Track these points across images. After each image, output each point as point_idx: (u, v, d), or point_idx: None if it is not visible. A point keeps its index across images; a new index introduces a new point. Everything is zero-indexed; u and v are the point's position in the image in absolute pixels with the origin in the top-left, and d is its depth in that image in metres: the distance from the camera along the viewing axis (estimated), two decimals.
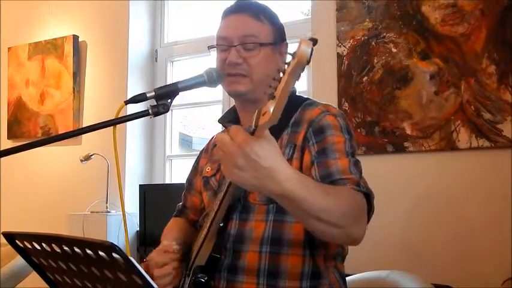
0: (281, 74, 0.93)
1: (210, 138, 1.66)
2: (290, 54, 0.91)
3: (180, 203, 1.64)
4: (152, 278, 1.29)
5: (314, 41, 0.89)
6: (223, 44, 1.40)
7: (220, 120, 1.55)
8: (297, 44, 0.89)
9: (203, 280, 1.26)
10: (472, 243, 2.25)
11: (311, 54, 0.88)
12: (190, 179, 1.62)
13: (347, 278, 1.42)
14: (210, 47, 1.44)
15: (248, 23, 1.39)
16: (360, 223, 1.16)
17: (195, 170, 1.61)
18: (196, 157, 1.65)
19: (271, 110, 0.93)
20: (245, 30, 1.37)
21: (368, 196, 1.21)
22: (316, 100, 1.42)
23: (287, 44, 1.46)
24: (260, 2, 1.49)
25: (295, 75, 0.90)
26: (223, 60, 1.38)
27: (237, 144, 0.97)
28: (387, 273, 1.62)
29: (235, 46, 1.37)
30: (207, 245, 1.28)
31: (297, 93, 1.46)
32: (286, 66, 0.92)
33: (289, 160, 1.29)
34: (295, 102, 1.39)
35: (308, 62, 0.89)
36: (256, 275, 1.27)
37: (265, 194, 1.07)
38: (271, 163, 0.99)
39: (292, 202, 1.04)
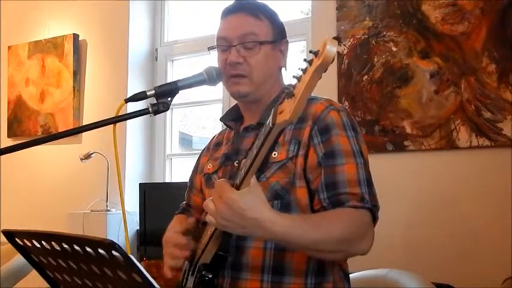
0: (300, 72, 0.92)
1: (210, 137, 1.66)
2: (312, 52, 0.90)
3: (184, 202, 1.64)
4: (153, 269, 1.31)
5: (339, 40, 0.88)
6: (223, 45, 1.39)
7: (222, 119, 1.54)
8: (302, 43, 0.88)
9: (207, 278, 1.26)
10: (472, 242, 2.25)
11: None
12: (191, 179, 1.62)
13: None
14: (210, 48, 1.43)
15: (247, 22, 1.38)
16: (361, 240, 1.21)
17: (196, 169, 1.61)
18: (198, 156, 1.65)
19: (291, 109, 0.92)
20: (244, 29, 1.37)
21: (372, 209, 1.24)
22: (317, 96, 1.42)
23: (287, 41, 1.46)
24: (259, 0, 1.49)
25: (318, 75, 0.89)
26: (224, 61, 1.38)
27: (224, 202, 1.06)
28: (387, 271, 1.62)
29: (235, 46, 1.37)
30: (213, 244, 1.27)
31: None
32: (307, 64, 0.90)
33: (295, 157, 1.29)
34: None
35: (332, 62, 0.88)
36: (261, 272, 1.27)
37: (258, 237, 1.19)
38: (256, 214, 1.07)
39: (281, 242, 1.15)
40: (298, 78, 0.92)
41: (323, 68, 0.88)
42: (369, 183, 1.27)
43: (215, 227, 1.16)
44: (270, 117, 0.98)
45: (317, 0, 2.77)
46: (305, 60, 0.91)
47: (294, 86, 0.93)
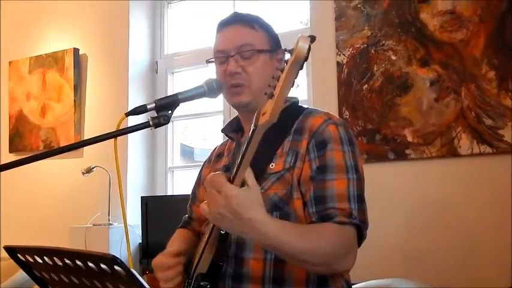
0: (280, 73, 0.93)
1: (212, 149, 1.66)
2: (288, 51, 0.92)
3: (186, 215, 1.64)
4: (155, 283, 1.31)
5: (312, 38, 0.91)
6: (221, 56, 1.41)
7: (223, 130, 1.55)
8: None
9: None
10: (474, 249, 2.24)
11: (309, 50, 0.89)
12: (194, 191, 1.62)
13: None
14: (208, 61, 1.44)
15: (243, 33, 1.40)
16: (345, 258, 1.21)
17: (198, 181, 1.62)
18: (199, 168, 1.65)
19: (270, 108, 0.94)
20: (241, 40, 1.39)
21: (359, 226, 1.23)
22: (317, 108, 1.43)
23: (283, 50, 1.47)
24: (258, 11, 1.50)
25: (294, 72, 0.92)
26: (223, 72, 1.39)
27: (223, 196, 1.04)
28: (391, 281, 1.62)
29: (232, 56, 1.38)
30: (208, 252, 1.27)
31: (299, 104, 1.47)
32: (284, 64, 0.93)
33: (292, 168, 1.29)
34: (296, 110, 1.40)
35: (306, 59, 0.90)
36: (262, 283, 1.26)
37: (246, 238, 1.18)
38: (252, 215, 1.06)
39: (271, 246, 1.14)
40: (277, 78, 0.94)
41: (297, 64, 0.90)
42: (360, 199, 1.26)
43: (207, 217, 1.14)
44: (254, 119, 1.00)
45: (316, 10, 2.79)
46: (283, 60, 0.94)
47: (274, 87, 0.94)
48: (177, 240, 1.52)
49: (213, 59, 1.43)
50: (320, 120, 1.34)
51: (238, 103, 1.41)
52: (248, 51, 1.37)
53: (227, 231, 1.15)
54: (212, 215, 1.07)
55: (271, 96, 0.95)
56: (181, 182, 3.42)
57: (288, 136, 1.35)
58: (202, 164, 1.67)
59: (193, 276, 1.30)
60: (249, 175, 1.05)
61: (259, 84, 1.38)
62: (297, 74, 0.93)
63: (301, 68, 0.92)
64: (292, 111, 1.39)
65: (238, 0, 3.26)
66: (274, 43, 1.44)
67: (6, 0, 3.91)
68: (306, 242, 1.14)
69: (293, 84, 0.94)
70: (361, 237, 1.25)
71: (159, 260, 1.36)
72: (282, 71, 0.93)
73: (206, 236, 1.27)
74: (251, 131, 1.00)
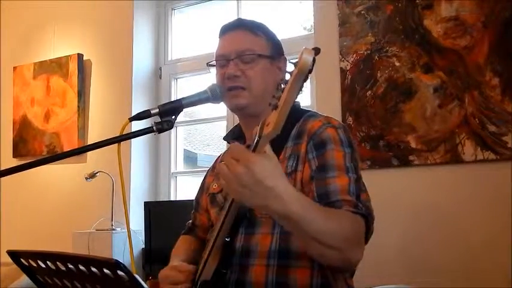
0: (285, 85, 0.94)
1: (215, 155, 1.67)
2: (292, 63, 0.92)
3: (190, 221, 1.64)
4: None
5: (316, 50, 0.91)
6: (222, 59, 1.41)
7: (225, 138, 1.55)
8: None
9: None
10: (477, 256, 2.23)
11: (313, 63, 0.89)
12: (197, 198, 1.62)
13: None
14: (209, 64, 1.45)
15: (244, 38, 1.41)
16: (357, 247, 1.18)
17: (202, 188, 1.62)
18: (204, 175, 1.65)
19: (274, 119, 0.94)
20: (242, 44, 1.40)
21: (366, 218, 1.21)
22: (317, 112, 1.43)
23: (285, 58, 1.47)
24: (262, 18, 1.51)
25: (298, 84, 0.92)
26: (223, 75, 1.40)
27: (244, 165, 0.98)
28: (394, 287, 1.61)
29: (232, 59, 1.39)
30: (212, 260, 1.27)
31: (301, 107, 1.47)
32: (289, 76, 0.93)
33: (294, 172, 1.30)
34: (297, 114, 1.40)
35: (310, 71, 0.90)
36: None
37: (267, 212, 1.10)
38: (276, 183, 1.01)
39: (292, 222, 1.07)
40: (282, 90, 0.94)
41: (301, 76, 0.90)
42: (360, 198, 1.25)
43: (227, 192, 1.10)
44: (258, 130, 0.99)
45: (319, 16, 2.79)
46: (285, 67, 0.94)
47: (278, 98, 0.94)
48: (182, 249, 1.51)
49: (213, 62, 1.44)
50: (319, 124, 1.34)
51: (235, 105, 1.41)
52: (248, 55, 1.38)
53: (248, 205, 1.07)
54: (232, 189, 1.01)
55: (276, 107, 0.94)
56: (184, 188, 3.42)
57: (289, 141, 1.35)
58: (205, 169, 1.67)
59: (197, 283, 1.30)
60: (267, 147, 1.01)
61: (259, 88, 1.38)
62: (302, 86, 0.92)
63: (306, 80, 0.92)
64: (293, 116, 1.39)
65: (242, 7, 3.27)
66: (276, 50, 1.44)
67: (10, 6, 3.93)
68: (327, 222, 1.10)
69: (297, 95, 0.94)
70: (368, 230, 1.23)
71: (164, 273, 1.35)
72: (286, 82, 0.93)
73: (211, 243, 1.27)
74: (255, 141, 1.00)
